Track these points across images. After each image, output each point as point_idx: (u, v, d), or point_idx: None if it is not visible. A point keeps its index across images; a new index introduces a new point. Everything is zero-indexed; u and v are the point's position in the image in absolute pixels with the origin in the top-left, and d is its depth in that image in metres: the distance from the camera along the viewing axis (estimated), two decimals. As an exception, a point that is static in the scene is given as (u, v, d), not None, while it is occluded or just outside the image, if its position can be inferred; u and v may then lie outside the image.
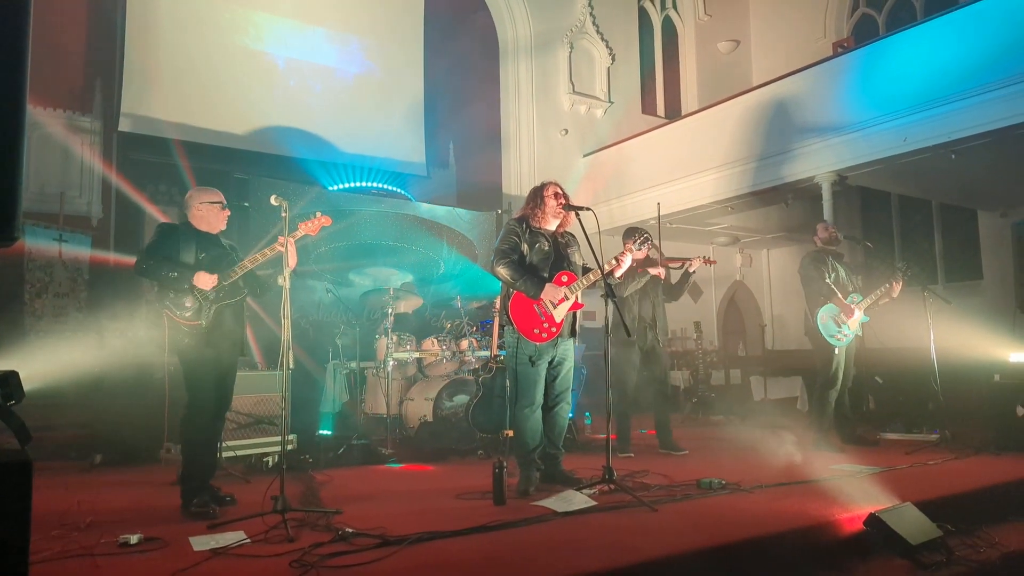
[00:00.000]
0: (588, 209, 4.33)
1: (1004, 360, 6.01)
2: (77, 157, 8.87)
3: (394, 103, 10.96)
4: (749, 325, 13.99)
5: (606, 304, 4.14)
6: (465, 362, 6.99)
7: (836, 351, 5.90)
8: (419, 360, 7.13)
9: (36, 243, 7.79)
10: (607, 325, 4.17)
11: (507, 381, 5.11)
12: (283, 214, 3.78)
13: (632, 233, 5.46)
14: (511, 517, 3.48)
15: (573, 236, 4.65)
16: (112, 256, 8.73)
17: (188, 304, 3.93)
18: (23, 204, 1.42)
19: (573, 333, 4.52)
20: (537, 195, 4.51)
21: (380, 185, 10.56)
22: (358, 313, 7.69)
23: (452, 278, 10.15)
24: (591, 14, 12.62)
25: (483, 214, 11.03)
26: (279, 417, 3.86)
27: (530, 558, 2.90)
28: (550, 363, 4.41)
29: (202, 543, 3.05)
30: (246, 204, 8.53)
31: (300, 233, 4.11)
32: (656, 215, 7.51)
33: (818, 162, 8.88)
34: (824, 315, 5.91)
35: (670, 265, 6.17)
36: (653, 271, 5.92)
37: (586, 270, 4.51)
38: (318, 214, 4.23)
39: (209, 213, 4.17)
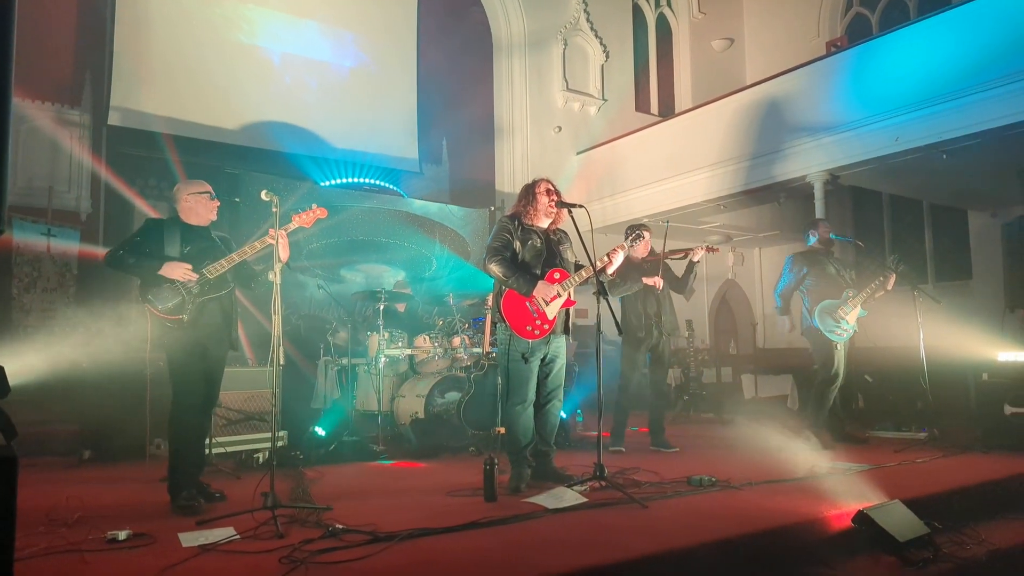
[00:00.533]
0: (580, 206, 4.34)
1: (992, 359, 6.05)
2: (66, 151, 8.80)
3: (387, 99, 10.92)
4: (740, 324, 14.03)
5: (598, 301, 4.14)
6: (457, 359, 6.98)
7: (837, 347, 5.92)
8: (411, 357, 7.12)
9: (24, 237, 7.74)
10: (599, 322, 4.18)
11: (499, 378, 5.12)
12: (274, 209, 3.75)
13: (634, 230, 5.47)
14: (502, 514, 3.48)
15: (566, 233, 4.65)
16: (101, 251, 8.58)
17: (169, 297, 3.86)
18: (10, 198, 1.41)
19: (566, 330, 4.52)
20: (529, 192, 4.52)
21: (372, 181, 10.53)
22: (349, 309, 7.67)
23: (444, 275, 10.14)
24: (585, 11, 12.61)
25: (476, 211, 11.02)
26: (270, 413, 3.85)
27: (521, 555, 2.90)
28: (542, 360, 4.41)
29: (191, 539, 3.04)
30: (237, 199, 8.49)
31: (294, 225, 4.06)
32: (649, 212, 7.52)
33: (810, 161, 8.91)
34: (821, 311, 5.93)
35: (672, 257, 6.15)
36: (648, 281, 5.91)
37: (578, 267, 4.52)
38: (313, 206, 4.19)
39: (198, 204, 4.13)
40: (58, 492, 3.79)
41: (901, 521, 3.40)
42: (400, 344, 6.94)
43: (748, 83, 11.25)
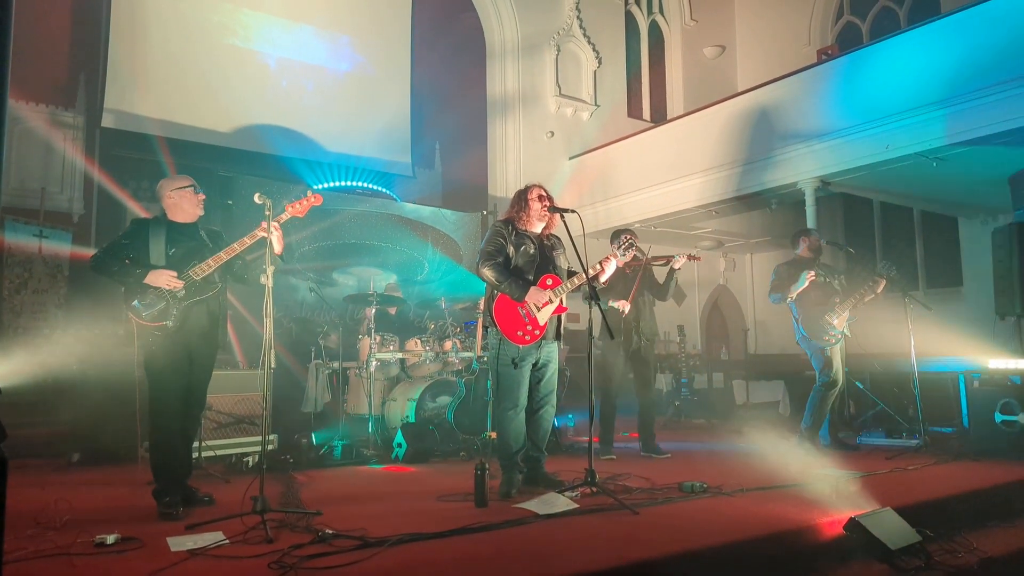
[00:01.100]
0: (573, 212, 4.33)
1: (984, 366, 6.07)
2: (59, 152, 8.77)
3: (380, 103, 10.92)
4: (732, 329, 14.07)
5: (590, 307, 4.14)
6: (448, 363, 6.97)
7: (829, 352, 5.95)
8: (402, 361, 7.11)
9: (16, 239, 7.70)
10: (590, 328, 4.17)
11: (490, 383, 5.10)
12: (267, 212, 3.72)
13: (619, 235, 5.46)
14: (493, 519, 3.47)
15: (559, 239, 4.66)
16: (93, 253, 8.63)
17: (153, 303, 3.79)
18: (3, 199, 1.40)
19: (558, 336, 4.51)
20: (521, 198, 4.51)
21: (365, 185, 10.52)
22: (341, 313, 7.65)
23: (436, 279, 10.14)
24: (578, 17, 12.65)
25: (468, 215, 11.02)
26: (260, 417, 3.82)
27: (511, 560, 2.89)
28: (534, 365, 4.41)
29: (179, 544, 3.02)
30: (230, 202, 8.48)
31: (287, 215, 3.98)
32: (640, 218, 7.52)
33: (801, 168, 8.94)
34: (808, 325, 5.96)
35: (654, 263, 6.16)
36: (615, 303, 5.88)
37: (571, 273, 4.52)
38: (309, 193, 4.06)
39: (182, 200, 4.05)
40: (47, 495, 3.76)
41: (893, 529, 3.40)
42: (391, 348, 6.92)
43: (740, 90, 11.29)
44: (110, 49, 8.83)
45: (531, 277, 4.37)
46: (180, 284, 3.84)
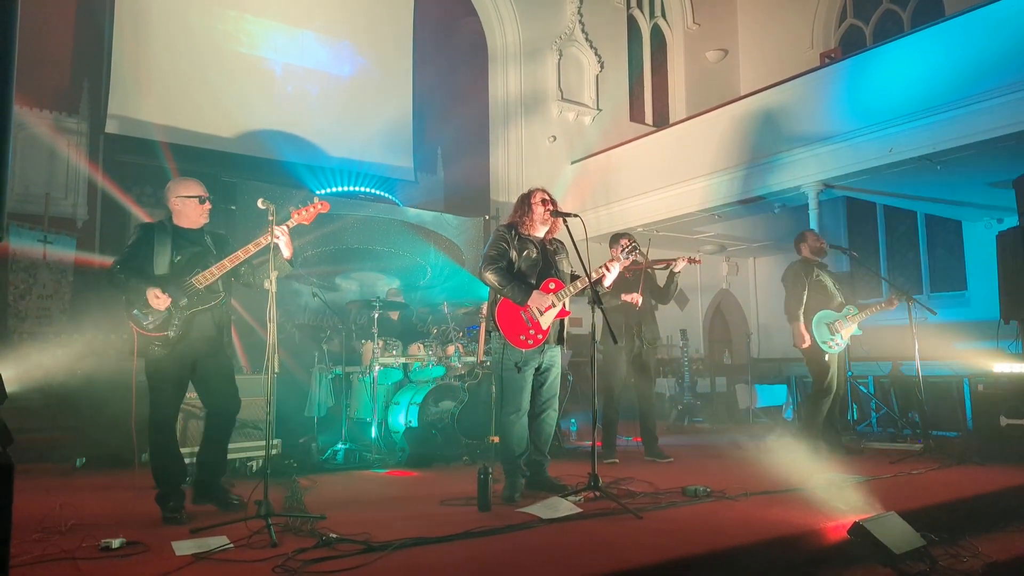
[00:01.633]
0: (575, 216, 4.34)
1: (988, 370, 6.06)
2: (63, 158, 8.80)
3: (382, 108, 10.94)
4: (735, 333, 14.05)
5: (592, 311, 4.14)
6: (451, 368, 6.98)
7: (827, 358, 5.94)
8: (405, 365, 7.11)
9: (20, 244, 7.72)
10: (593, 332, 4.18)
11: (493, 387, 5.11)
12: (270, 217, 3.72)
13: (618, 239, 5.46)
14: (496, 524, 3.47)
15: (561, 243, 4.66)
16: (97, 258, 8.65)
17: (154, 312, 3.74)
18: (7, 205, 1.41)
19: (560, 340, 4.51)
20: (525, 202, 4.52)
21: (368, 190, 10.54)
22: (344, 317, 7.66)
23: (439, 283, 10.14)
24: (580, 22, 12.68)
25: (471, 220, 11.04)
26: (264, 421, 3.82)
27: (515, 565, 2.89)
28: (537, 369, 4.41)
29: (184, 548, 3.03)
30: (233, 207, 8.50)
31: (294, 222, 3.95)
32: (643, 222, 7.53)
33: (804, 171, 8.94)
34: (819, 321, 5.95)
35: (655, 267, 6.17)
36: (627, 297, 5.89)
37: (574, 277, 4.52)
38: (316, 199, 4.02)
39: (186, 207, 4.01)
40: (52, 499, 3.77)
41: (897, 533, 3.40)
42: (394, 352, 6.92)
43: (742, 94, 11.30)
44: (113, 55, 8.87)
45: (534, 281, 4.37)
46: (166, 303, 3.73)
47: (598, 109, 12.76)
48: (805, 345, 5.96)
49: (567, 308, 4.43)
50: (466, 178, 12.18)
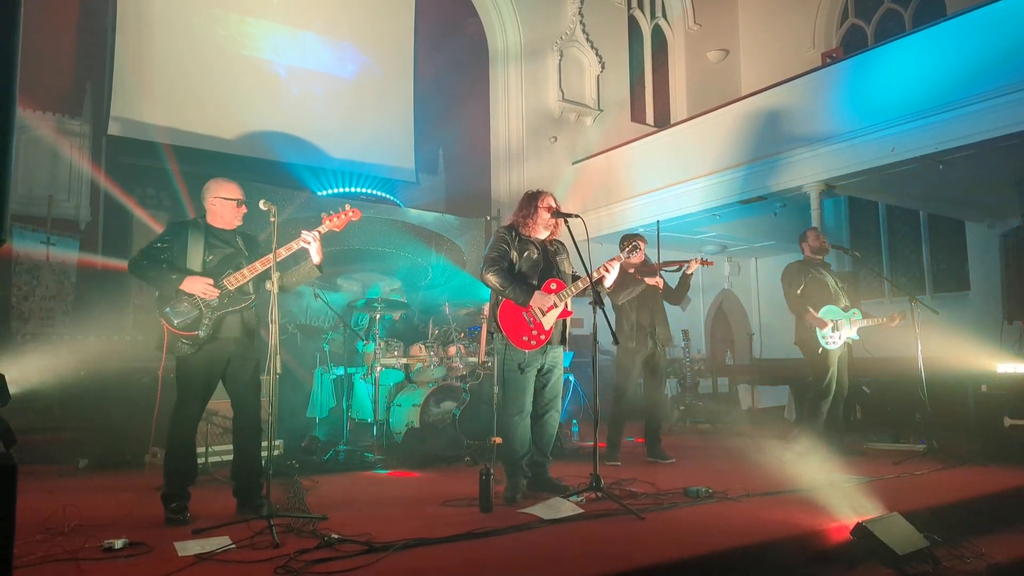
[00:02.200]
0: (576, 216, 4.34)
1: (991, 371, 6.04)
2: (66, 160, 8.81)
3: (384, 109, 10.95)
4: (737, 334, 14.04)
5: (594, 312, 4.14)
6: (452, 369, 6.98)
7: (829, 360, 5.94)
8: (407, 366, 7.12)
9: (24, 246, 7.75)
10: (595, 333, 4.18)
11: (495, 388, 5.10)
12: (272, 219, 3.73)
13: (630, 239, 5.46)
14: (498, 524, 3.47)
15: (562, 244, 4.66)
16: (100, 260, 8.68)
17: (186, 312, 3.75)
18: (11, 207, 1.41)
19: (563, 341, 4.51)
20: (532, 204, 4.49)
21: (369, 191, 10.55)
22: (346, 319, 7.66)
23: (440, 284, 10.15)
24: (581, 22, 12.68)
25: (472, 220, 11.04)
26: (266, 422, 3.82)
27: (517, 566, 2.90)
28: (539, 371, 4.40)
29: (187, 548, 3.03)
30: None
31: (325, 228, 3.95)
32: (647, 223, 7.52)
33: (806, 171, 8.94)
34: (823, 315, 5.95)
35: (666, 268, 6.16)
36: (650, 280, 5.90)
37: (575, 278, 4.52)
38: (347, 206, 4.01)
39: (223, 209, 4.00)
40: (55, 500, 3.77)
41: (900, 534, 3.39)
42: (396, 353, 6.93)
43: (744, 94, 11.30)
44: (116, 58, 8.88)
45: (535, 282, 4.37)
46: (216, 293, 3.78)
47: (599, 109, 12.76)
48: (826, 327, 5.94)
49: (569, 308, 4.43)
50: (467, 179, 12.18)
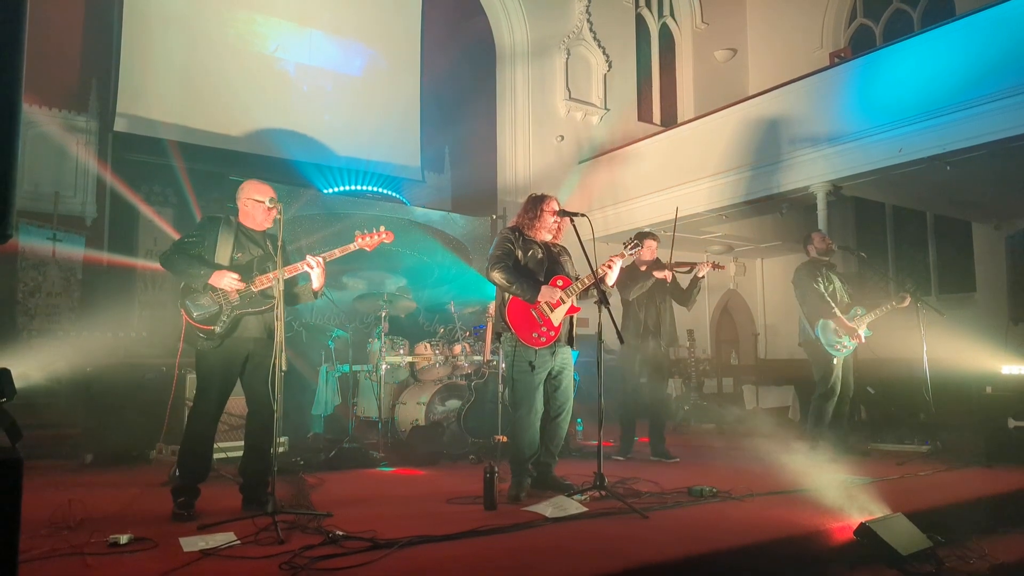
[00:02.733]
0: (582, 215, 4.34)
1: (996, 372, 6.02)
2: (72, 157, 8.84)
3: (390, 107, 10.96)
4: (742, 334, 14.02)
5: (599, 311, 4.14)
6: (458, 367, 6.99)
7: (834, 361, 5.92)
8: (412, 364, 7.13)
9: (30, 242, 7.77)
10: (600, 331, 4.18)
11: (504, 388, 5.11)
12: (277, 216, 3.75)
13: (643, 238, 5.48)
14: (502, 522, 3.47)
15: (565, 248, 4.68)
16: (106, 256, 8.71)
17: (206, 306, 3.78)
18: (17, 203, 1.42)
19: (570, 340, 4.51)
20: (537, 206, 4.50)
21: (375, 189, 10.56)
22: (351, 316, 7.68)
23: (446, 283, 10.15)
24: (588, 21, 12.66)
25: (478, 219, 11.04)
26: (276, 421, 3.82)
27: (521, 564, 2.90)
28: (550, 374, 4.40)
29: (192, 544, 3.04)
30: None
31: (354, 247, 3.99)
32: (650, 222, 7.51)
33: (813, 172, 8.91)
34: (825, 325, 5.93)
35: (678, 270, 6.16)
36: (659, 274, 5.91)
37: (578, 278, 4.51)
38: (381, 228, 4.01)
39: (255, 210, 4.02)
40: (61, 495, 3.79)
41: (903, 534, 3.39)
42: (401, 351, 6.94)
43: (751, 93, 11.28)
44: (122, 54, 8.90)
45: (541, 279, 4.37)
46: (242, 287, 3.81)
47: (606, 108, 12.74)
48: (859, 332, 5.91)
49: (576, 305, 4.43)
50: (473, 177, 12.18)
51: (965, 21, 7.70)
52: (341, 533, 3.16)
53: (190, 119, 9.23)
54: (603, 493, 4.02)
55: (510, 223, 4.72)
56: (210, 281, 3.78)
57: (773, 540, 3.26)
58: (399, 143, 10.96)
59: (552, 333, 4.29)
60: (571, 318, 4.47)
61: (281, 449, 5.56)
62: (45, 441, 5.87)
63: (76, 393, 5.96)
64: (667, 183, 10.58)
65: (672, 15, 14.37)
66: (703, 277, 6.06)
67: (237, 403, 5.57)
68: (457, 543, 3.14)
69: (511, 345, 4.33)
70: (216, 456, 5.17)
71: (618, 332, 4.20)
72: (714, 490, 4.24)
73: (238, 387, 4.06)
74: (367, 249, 4.05)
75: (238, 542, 3.09)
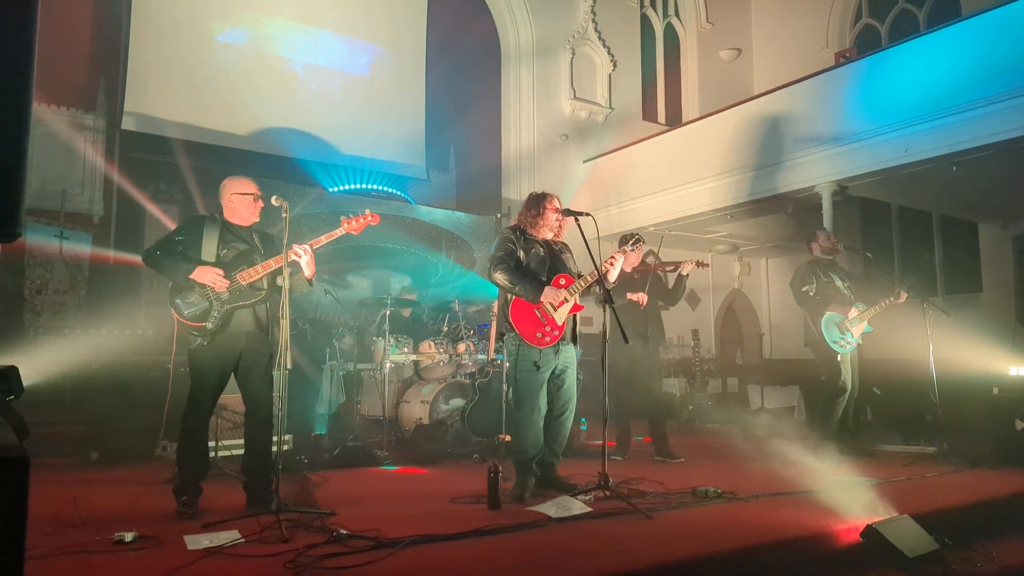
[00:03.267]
0: (587, 215, 4.33)
1: (1003, 373, 6.00)
2: (80, 155, 8.86)
3: (395, 106, 10.96)
4: (747, 334, 13.99)
5: (603, 310, 4.13)
6: (462, 366, 6.99)
7: (840, 358, 5.91)
8: (416, 363, 7.13)
9: (37, 240, 7.79)
10: (604, 331, 4.17)
11: (504, 386, 5.10)
12: (284, 215, 3.75)
13: (626, 239, 5.46)
14: (506, 522, 3.47)
15: (566, 245, 4.67)
16: (112, 254, 8.73)
17: (196, 303, 3.78)
18: (24, 200, 1.42)
19: (574, 339, 4.51)
20: (539, 204, 4.50)
21: (380, 188, 10.57)
22: (355, 315, 7.69)
23: (450, 281, 10.15)
24: (593, 20, 12.65)
25: (482, 218, 11.04)
26: (276, 417, 3.83)
27: (525, 563, 2.90)
28: (553, 372, 4.39)
29: (196, 542, 3.05)
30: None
31: (341, 231, 3.99)
32: (655, 222, 7.50)
33: (818, 172, 8.89)
34: (828, 322, 5.92)
35: (662, 269, 6.19)
36: (632, 296, 5.89)
37: (579, 276, 4.51)
38: (367, 212, 4.06)
39: (240, 204, 4.04)
40: (66, 493, 3.80)
41: (910, 536, 3.38)
42: (405, 350, 6.95)
43: (756, 93, 11.24)
44: (130, 53, 8.93)
45: (544, 279, 4.37)
46: (225, 285, 3.82)
47: (610, 108, 12.72)
48: (855, 317, 5.91)
49: (579, 303, 4.43)
50: (478, 176, 12.18)
51: (971, 21, 7.68)
52: (345, 532, 3.16)
53: (197, 118, 9.25)
54: (607, 493, 4.01)
55: (511, 222, 4.71)
56: (192, 276, 3.79)
57: (778, 542, 3.25)
58: (404, 142, 10.97)
59: (556, 332, 4.29)
60: (574, 316, 4.46)
61: (285, 447, 5.57)
62: (51, 438, 5.88)
63: (82, 391, 5.98)
64: (672, 182, 10.57)
65: (677, 15, 14.34)
66: (687, 275, 6.08)
67: (239, 400, 5.59)
68: (461, 543, 3.14)
69: (515, 345, 4.32)
70: (221, 454, 5.22)
71: (622, 331, 4.18)
72: (719, 491, 4.23)
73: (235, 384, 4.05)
74: (354, 233, 4.06)
75: (242, 540, 3.10)
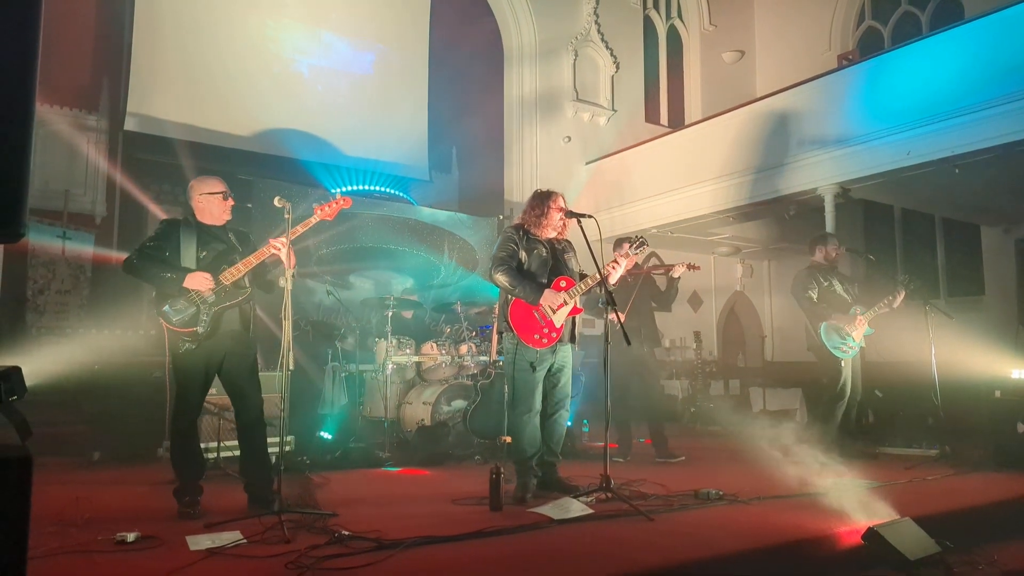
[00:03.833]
0: (589, 217, 4.33)
1: (1006, 376, 5.98)
2: (83, 155, 8.89)
3: (398, 107, 10.98)
4: (749, 336, 13.98)
5: (606, 312, 4.13)
6: (464, 367, 6.99)
7: (843, 364, 5.90)
8: (418, 364, 7.13)
9: (40, 240, 7.81)
10: (606, 332, 4.17)
11: (505, 387, 5.10)
12: (286, 216, 3.75)
13: (622, 243, 5.46)
14: (507, 524, 3.47)
15: (570, 243, 4.66)
16: (115, 255, 8.74)
17: (184, 309, 3.77)
18: (28, 201, 1.42)
19: (573, 339, 4.51)
20: (543, 204, 4.49)
21: (382, 189, 10.58)
22: (358, 316, 7.69)
23: (452, 283, 10.16)
24: (596, 22, 12.65)
25: (484, 219, 11.05)
26: (277, 418, 3.84)
27: (526, 565, 2.90)
28: (549, 370, 4.40)
29: (198, 542, 3.05)
30: (249, 205, 8.55)
31: (315, 219, 3.98)
32: (657, 224, 7.50)
33: (821, 174, 8.88)
34: (828, 328, 5.91)
35: (654, 272, 6.22)
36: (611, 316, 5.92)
37: (582, 276, 4.51)
38: (338, 195, 4.07)
39: (210, 204, 4.03)
40: (68, 493, 3.81)
41: (911, 539, 3.37)
42: (407, 351, 6.95)
43: (759, 95, 11.24)
44: (133, 54, 8.94)
45: (545, 280, 4.37)
46: (213, 285, 3.82)
47: (613, 110, 12.72)
48: (859, 321, 5.91)
49: (579, 305, 4.43)
50: (480, 178, 12.19)
51: (974, 24, 7.67)
52: (347, 533, 3.17)
53: (199, 119, 9.26)
54: (609, 495, 4.01)
55: (515, 221, 4.71)
56: (184, 284, 3.78)
57: (780, 544, 3.25)
58: (407, 143, 10.98)
59: (554, 335, 4.30)
60: (574, 318, 4.46)
61: (288, 448, 5.57)
62: (54, 438, 5.89)
63: (85, 391, 5.98)
64: (674, 185, 10.56)
65: (680, 17, 14.34)
66: (678, 278, 6.09)
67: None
68: (462, 544, 3.14)
69: (512, 344, 4.34)
70: (223, 455, 5.22)
71: (625, 334, 4.18)
72: (720, 493, 4.23)
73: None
74: (328, 219, 4.04)
75: (244, 541, 3.10)
